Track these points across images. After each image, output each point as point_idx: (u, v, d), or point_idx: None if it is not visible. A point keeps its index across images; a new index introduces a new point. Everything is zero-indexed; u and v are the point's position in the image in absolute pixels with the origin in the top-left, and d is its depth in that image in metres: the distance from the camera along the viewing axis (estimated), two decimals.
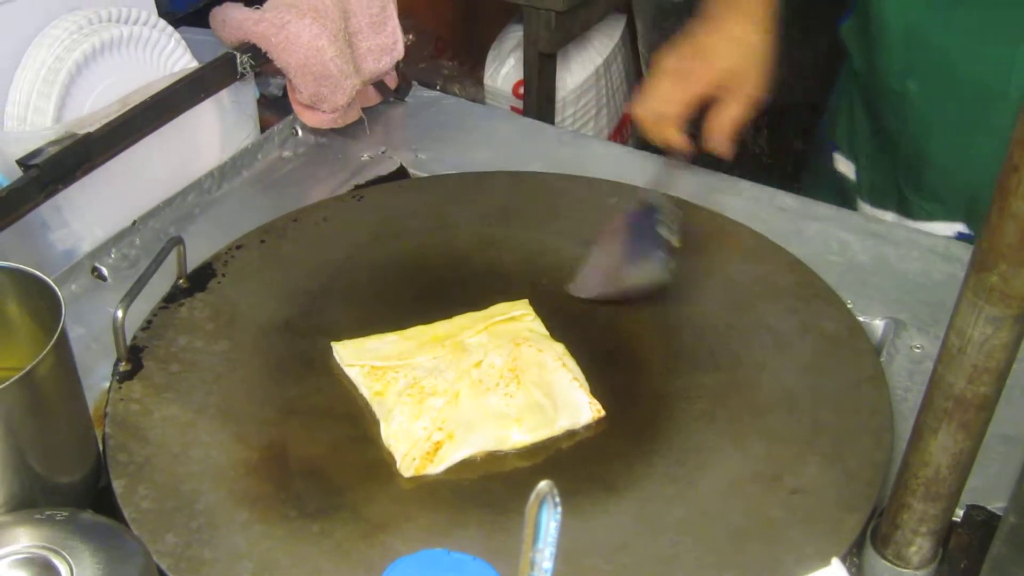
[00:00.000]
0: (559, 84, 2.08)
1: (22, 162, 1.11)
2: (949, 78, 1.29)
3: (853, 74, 1.48)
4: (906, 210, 1.43)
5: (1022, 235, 0.69)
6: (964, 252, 1.19)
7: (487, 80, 2.18)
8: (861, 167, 1.51)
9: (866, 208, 1.50)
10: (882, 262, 1.22)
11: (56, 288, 0.88)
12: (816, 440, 0.97)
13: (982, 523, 0.91)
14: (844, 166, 1.54)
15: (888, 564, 0.86)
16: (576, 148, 1.44)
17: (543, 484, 0.55)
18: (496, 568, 0.79)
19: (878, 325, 1.14)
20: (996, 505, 0.92)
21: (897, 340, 1.12)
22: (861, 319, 1.12)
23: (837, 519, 0.90)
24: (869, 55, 1.40)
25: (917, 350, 1.11)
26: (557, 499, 0.55)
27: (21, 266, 0.90)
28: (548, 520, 0.55)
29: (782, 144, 2.30)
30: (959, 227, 1.35)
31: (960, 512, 0.91)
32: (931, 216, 1.37)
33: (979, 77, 1.26)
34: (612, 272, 1.14)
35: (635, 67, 2.27)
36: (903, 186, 1.42)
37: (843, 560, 0.75)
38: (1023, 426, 0.99)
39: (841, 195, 1.54)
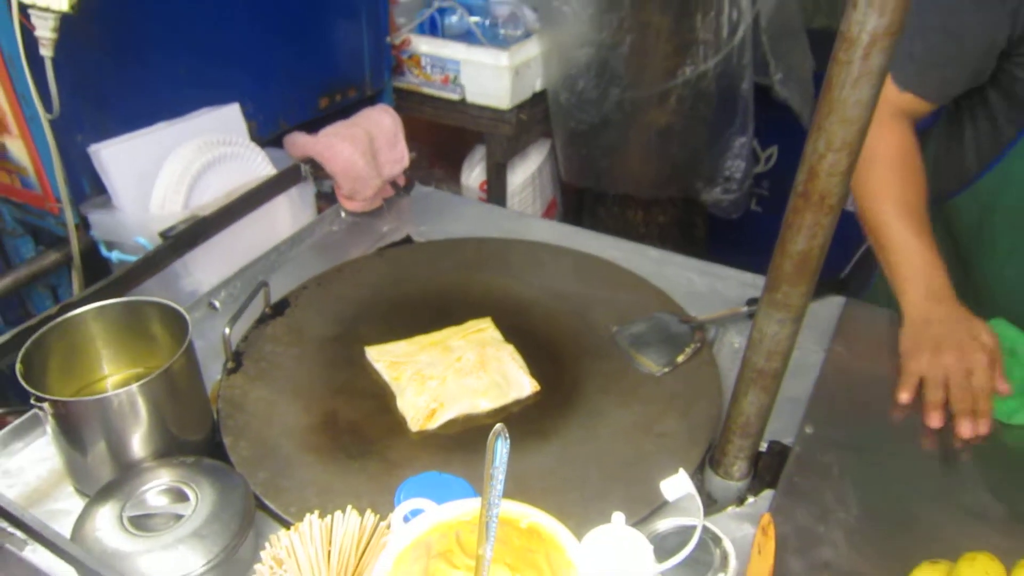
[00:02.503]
0: (509, 182, 2.08)
1: (162, 234, 1.11)
2: None
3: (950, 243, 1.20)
4: None
5: (794, 268, 0.71)
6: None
7: (463, 180, 2.19)
8: None
9: None
10: (714, 291, 1.23)
11: (186, 314, 0.89)
12: (673, 402, 0.98)
13: (779, 452, 0.93)
14: None
15: (720, 478, 0.88)
16: (520, 223, 1.44)
17: (498, 426, 0.56)
18: (472, 484, 0.80)
19: (711, 329, 1.14)
20: (787, 440, 0.94)
21: (723, 338, 1.13)
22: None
23: (687, 451, 0.91)
24: (976, 235, 1.16)
25: (736, 345, 1.12)
26: (506, 435, 0.56)
27: (163, 300, 0.91)
28: (501, 449, 0.56)
29: (652, 219, 2.32)
30: None
31: (765, 445, 0.93)
32: None
33: None
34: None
35: (556, 173, 2.27)
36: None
37: (692, 477, 0.75)
38: (802, 391, 1.01)
39: None
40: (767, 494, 0.88)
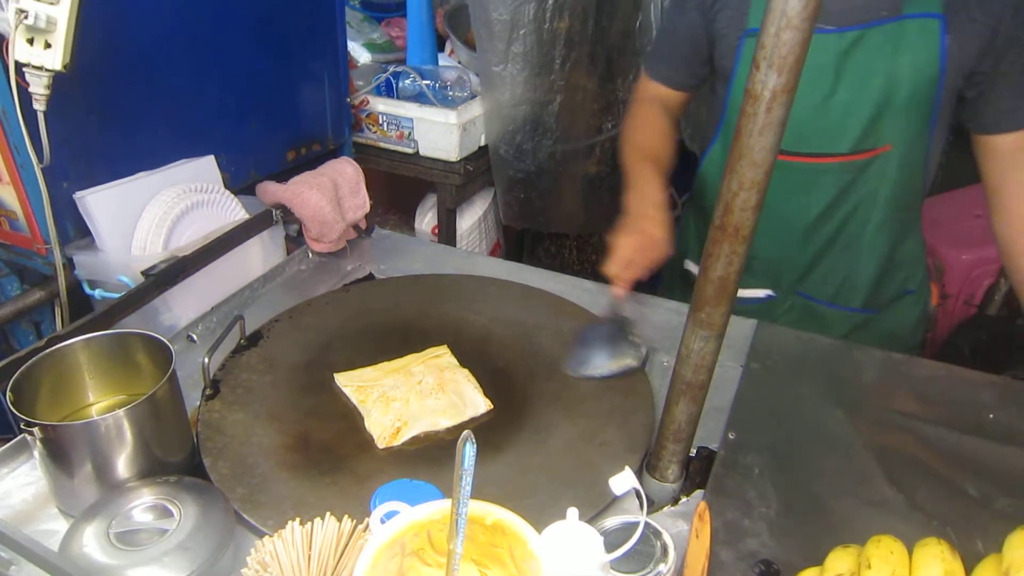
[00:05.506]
0: (458, 226, 2.10)
1: (144, 273, 1.09)
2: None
3: (702, 207, 1.40)
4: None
5: (715, 291, 0.73)
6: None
7: (416, 224, 2.19)
8: None
9: None
10: (643, 316, 1.24)
11: (169, 344, 0.87)
12: (613, 414, 0.99)
13: (707, 456, 0.95)
14: (692, 267, 1.46)
15: (656, 481, 0.89)
16: (470, 261, 1.46)
17: (466, 432, 0.57)
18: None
19: (643, 350, 1.14)
20: (713, 446, 0.96)
21: (654, 358, 1.14)
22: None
23: (627, 457, 0.92)
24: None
25: (665, 363, 1.14)
26: (474, 440, 0.57)
27: (148, 332, 0.89)
28: (469, 452, 0.56)
29: (586, 258, 2.36)
30: (768, 291, 1.35)
31: (694, 450, 0.95)
32: (749, 286, 1.35)
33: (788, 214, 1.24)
34: (598, 362, 1.07)
35: (499, 217, 2.29)
36: None
37: None
38: (724, 402, 1.03)
39: (691, 285, 1.39)
40: (698, 494, 0.89)
